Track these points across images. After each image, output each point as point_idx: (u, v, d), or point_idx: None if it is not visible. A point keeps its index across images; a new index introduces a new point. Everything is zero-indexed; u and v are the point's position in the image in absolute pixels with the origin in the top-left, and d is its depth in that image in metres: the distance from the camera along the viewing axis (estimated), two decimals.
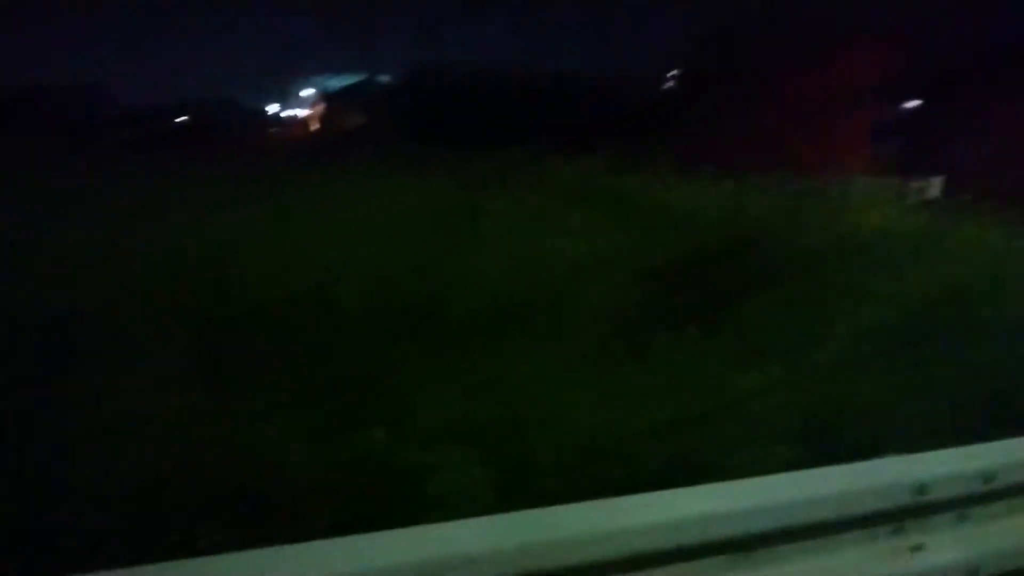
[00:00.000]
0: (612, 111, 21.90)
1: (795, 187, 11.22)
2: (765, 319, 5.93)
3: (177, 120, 31.66)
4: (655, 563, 2.34)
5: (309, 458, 3.75)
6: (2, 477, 3.59)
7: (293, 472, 3.66)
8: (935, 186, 14.59)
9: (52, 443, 3.83)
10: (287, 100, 38.64)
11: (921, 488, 2.62)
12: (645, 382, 4.83)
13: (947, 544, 2.69)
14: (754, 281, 6.54)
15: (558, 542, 2.27)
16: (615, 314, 5.85)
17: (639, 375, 4.93)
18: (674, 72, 26.45)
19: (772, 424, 4.45)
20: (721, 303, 6.07)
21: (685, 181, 11.52)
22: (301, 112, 37.57)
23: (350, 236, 7.38)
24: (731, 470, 3.39)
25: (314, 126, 34.80)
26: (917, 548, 2.64)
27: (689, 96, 20.20)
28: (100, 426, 3.91)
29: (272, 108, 38.79)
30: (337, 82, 35.98)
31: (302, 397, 4.27)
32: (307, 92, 37.66)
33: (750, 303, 6.12)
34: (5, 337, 4.86)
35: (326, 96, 35.73)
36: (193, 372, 4.57)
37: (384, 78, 34.37)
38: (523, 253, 7.10)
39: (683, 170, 12.67)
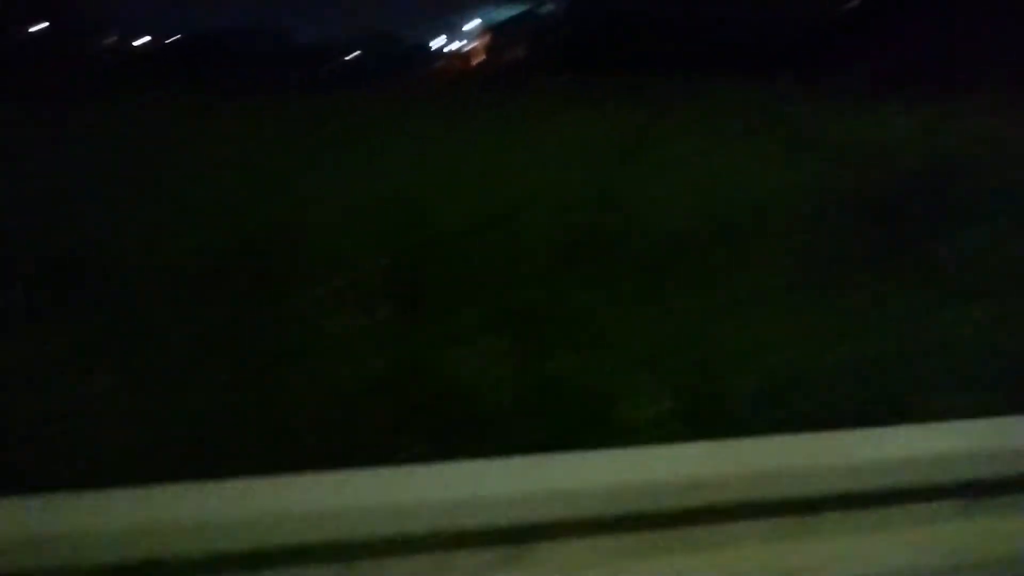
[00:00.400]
0: (790, 34, 20.67)
1: (1000, 114, 10.22)
2: (972, 255, 5.50)
3: (347, 57, 32.78)
4: (878, 502, 2.22)
5: (501, 380, 3.84)
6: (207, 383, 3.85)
7: (486, 393, 3.77)
8: None
9: (264, 358, 4.09)
10: (451, 33, 39.07)
11: None
12: (841, 319, 4.60)
13: None
14: (958, 214, 6.06)
15: (764, 473, 2.17)
16: (806, 246, 5.59)
17: (834, 311, 4.70)
18: None
19: (981, 367, 4.15)
20: (923, 237, 5.67)
21: (873, 107, 10.79)
22: (465, 45, 37.92)
23: (531, 166, 7.39)
24: (936, 414, 3.19)
25: (478, 58, 35.05)
26: None
27: (876, 16, 18.67)
28: (308, 343, 4.16)
29: (436, 42, 39.37)
30: (499, 14, 35.94)
31: (494, 322, 4.36)
32: (470, 25, 37.90)
33: (955, 238, 5.69)
34: (230, 254, 5.25)
35: (489, 28, 35.83)
36: (390, 295, 4.76)
37: (547, 8, 34.01)
38: (706, 183, 6.89)
39: (869, 96, 11.88)
